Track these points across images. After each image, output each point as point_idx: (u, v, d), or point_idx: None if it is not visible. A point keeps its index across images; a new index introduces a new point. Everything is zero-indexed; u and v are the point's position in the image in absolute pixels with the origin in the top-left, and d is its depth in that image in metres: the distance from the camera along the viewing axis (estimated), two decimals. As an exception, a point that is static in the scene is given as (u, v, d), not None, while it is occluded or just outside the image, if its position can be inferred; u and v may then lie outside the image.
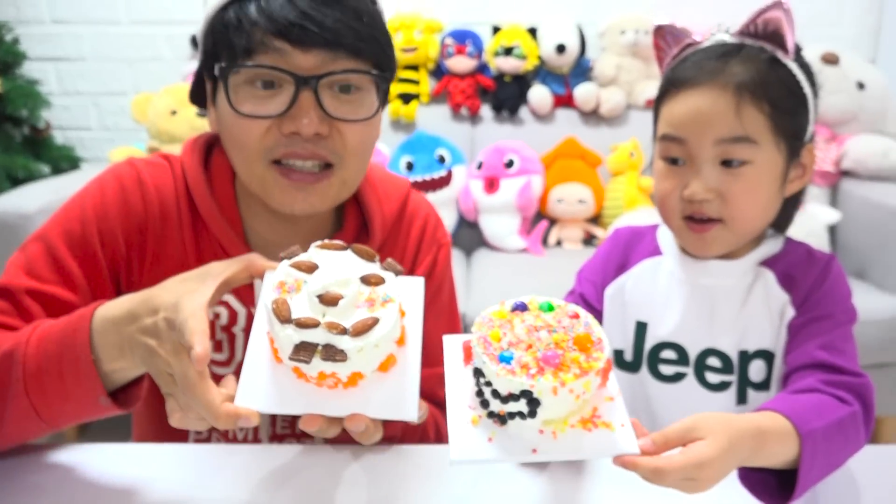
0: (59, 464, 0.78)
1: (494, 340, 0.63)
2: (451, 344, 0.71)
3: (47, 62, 2.84)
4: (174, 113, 2.42)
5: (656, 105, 0.95)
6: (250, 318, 0.90)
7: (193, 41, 2.73)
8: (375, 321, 0.62)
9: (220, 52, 0.81)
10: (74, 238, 0.84)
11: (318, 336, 0.61)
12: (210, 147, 0.94)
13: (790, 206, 0.96)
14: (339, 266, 0.66)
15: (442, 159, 2.49)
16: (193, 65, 2.69)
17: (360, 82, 0.83)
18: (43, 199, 2.05)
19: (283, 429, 0.94)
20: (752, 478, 0.74)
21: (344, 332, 0.61)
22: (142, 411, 0.97)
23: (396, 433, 0.83)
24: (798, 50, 0.90)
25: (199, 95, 0.91)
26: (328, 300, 0.63)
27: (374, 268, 0.68)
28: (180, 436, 0.93)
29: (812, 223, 2.18)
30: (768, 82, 0.86)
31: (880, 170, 2.30)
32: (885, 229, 2.07)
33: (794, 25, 0.87)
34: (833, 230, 2.28)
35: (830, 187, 2.38)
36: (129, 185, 0.88)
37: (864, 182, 2.31)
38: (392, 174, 1.04)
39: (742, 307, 0.93)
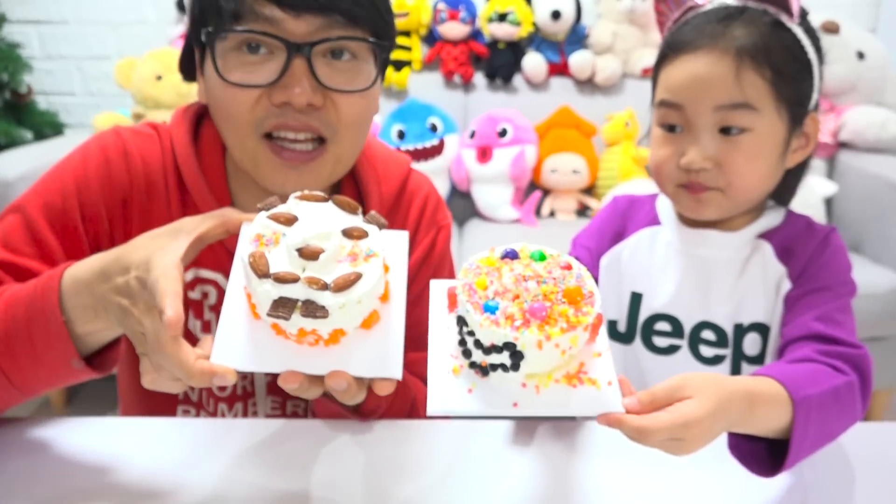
0: (42, 438, 0.77)
1: (480, 288, 0.60)
2: (437, 289, 0.68)
3: (29, 25, 2.77)
4: (159, 78, 2.36)
5: (655, 70, 0.93)
6: None
7: (179, 4, 2.66)
8: (358, 276, 0.59)
9: (208, 18, 0.76)
10: (54, 210, 0.81)
11: (297, 291, 0.58)
12: (200, 118, 0.89)
13: (792, 177, 0.94)
14: (319, 218, 0.63)
15: (434, 128, 2.45)
16: (179, 28, 2.66)
17: (357, 50, 0.78)
18: (24, 165, 2.01)
19: (273, 409, 0.92)
20: (742, 447, 0.72)
21: (325, 287, 0.58)
22: (127, 384, 0.95)
23: (382, 403, 0.80)
24: (804, 14, 0.87)
25: (188, 64, 0.86)
26: (308, 254, 0.59)
27: (357, 220, 0.65)
28: (167, 410, 0.91)
29: (808, 195, 2.16)
30: (770, 47, 0.83)
31: (878, 141, 2.27)
32: (882, 202, 2.05)
33: None
34: (829, 202, 2.26)
35: (828, 159, 2.36)
36: (113, 155, 0.84)
37: (862, 154, 2.29)
38: (393, 151, 0.99)
39: (738, 279, 0.92)
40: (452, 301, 0.65)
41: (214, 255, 0.85)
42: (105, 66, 2.78)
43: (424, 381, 0.90)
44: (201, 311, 0.88)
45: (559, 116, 2.48)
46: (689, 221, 0.96)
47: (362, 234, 0.62)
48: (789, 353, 0.83)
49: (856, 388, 0.76)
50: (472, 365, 0.61)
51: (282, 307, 0.58)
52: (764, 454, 0.72)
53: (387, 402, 0.81)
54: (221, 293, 0.87)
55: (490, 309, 0.58)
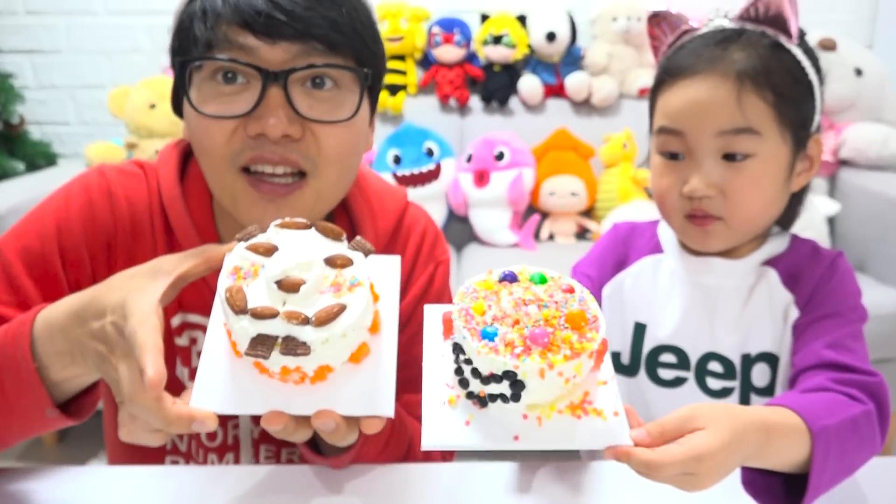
0: (28, 489, 0.73)
1: (478, 314, 0.57)
2: (431, 315, 0.65)
3: (21, 55, 2.75)
4: (153, 106, 2.34)
5: (652, 96, 0.91)
6: None
7: (173, 32, 2.66)
8: (342, 308, 0.55)
9: (184, 48, 0.73)
10: (32, 255, 0.77)
11: (277, 327, 0.55)
12: (188, 155, 0.86)
13: (795, 201, 0.92)
14: (300, 247, 0.59)
15: (430, 152, 2.43)
16: (173, 57, 2.64)
17: (339, 79, 0.74)
18: (16, 197, 1.99)
19: (268, 459, 0.88)
20: (757, 483, 0.69)
21: (306, 321, 0.54)
22: (113, 432, 0.92)
23: (370, 448, 0.76)
24: (802, 35, 0.85)
25: (178, 99, 0.82)
26: (288, 286, 0.56)
27: (341, 248, 0.61)
28: (155, 459, 0.88)
29: (811, 215, 2.13)
30: (771, 69, 0.81)
31: (880, 158, 2.25)
32: (885, 220, 2.02)
33: (797, 8, 0.83)
34: (832, 222, 2.24)
35: (829, 177, 2.33)
36: (97, 196, 0.80)
37: (864, 171, 2.27)
38: (389, 186, 0.96)
39: (744, 308, 0.90)
40: (448, 327, 0.62)
41: (202, 298, 0.82)
42: (99, 94, 2.76)
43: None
44: (189, 358, 0.84)
45: (556, 139, 2.46)
46: (692, 249, 0.93)
47: (346, 263, 0.59)
48: (801, 382, 0.80)
49: (874, 417, 0.73)
50: (470, 395, 0.57)
51: (260, 345, 0.55)
52: (779, 490, 0.68)
53: (377, 446, 0.77)
54: None
55: (488, 335, 0.55)
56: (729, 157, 0.82)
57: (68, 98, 2.82)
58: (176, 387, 0.83)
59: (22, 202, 1.97)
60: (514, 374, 0.53)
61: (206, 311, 0.82)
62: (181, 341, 0.83)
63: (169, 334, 0.83)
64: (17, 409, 0.66)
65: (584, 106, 2.57)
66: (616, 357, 0.96)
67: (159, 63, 2.69)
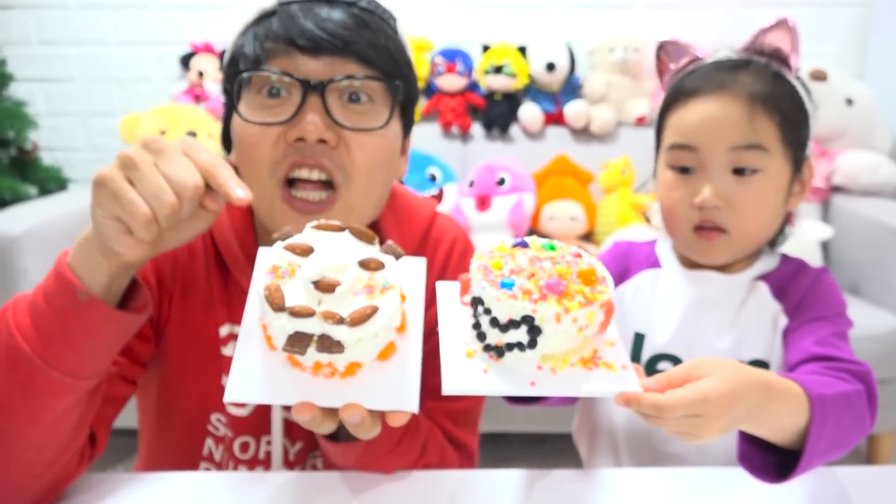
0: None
1: (495, 269, 0.60)
2: (444, 288, 0.69)
3: (35, 83, 2.82)
4: (163, 133, 2.40)
5: (660, 117, 0.97)
6: None
7: (183, 61, 2.73)
8: (374, 310, 0.58)
9: (238, 67, 0.81)
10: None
11: (313, 326, 0.58)
12: None
13: (784, 222, 0.98)
14: (336, 249, 0.62)
15: (433, 178, 2.48)
16: (182, 85, 2.72)
17: (374, 94, 0.81)
18: (29, 221, 2.02)
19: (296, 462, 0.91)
20: (753, 458, 0.72)
21: (341, 321, 0.57)
22: (150, 439, 0.95)
23: (390, 441, 0.79)
24: (797, 72, 0.92)
25: (229, 138, 0.88)
26: (324, 287, 0.59)
27: (374, 251, 0.64)
28: (190, 464, 0.91)
29: (805, 239, 2.18)
30: (777, 94, 0.88)
31: (871, 185, 2.30)
32: (878, 244, 2.06)
33: (798, 45, 0.89)
34: (826, 246, 2.28)
35: (822, 203, 2.38)
36: None
37: (856, 197, 2.31)
38: (418, 196, 1.00)
39: (737, 317, 0.94)
40: (465, 287, 0.65)
41: None
42: (110, 122, 2.82)
43: (446, 434, 0.90)
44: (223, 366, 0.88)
45: (556, 165, 2.52)
46: (689, 264, 0.98)
47: (379, 266, 0.62)
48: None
49: (865, 397, 0.77)
50: (487, 348, 0.60)
51: (297, 342, 0.58)
52: (773, 466, 0.72)
53: (390, 442, 0.79)
54: None
55: (507, 285, 0.58)
56: (738, 172, 0.88)
57: (79, 125, 2.89)
58: (219, 395, 0.86)
59: (36, 225, 2.01)
60: (532, 319, 0.57)
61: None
62: (227, 351, 0.87)
63: (216, 344, 0.87)
64: (73, 318, 0.66)
65: (583, 133, 2.63)
66: None
67: (168, 91, 2.76)
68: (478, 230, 2.44)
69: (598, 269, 0.61)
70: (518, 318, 0.57)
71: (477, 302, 0.61)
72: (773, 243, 0.99)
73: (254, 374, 0.61)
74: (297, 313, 0.57)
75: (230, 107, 0.84)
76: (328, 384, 0.61)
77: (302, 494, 0.76)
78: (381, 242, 0.66)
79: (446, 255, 0.96)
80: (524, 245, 0.65)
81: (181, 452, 0.91)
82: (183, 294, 0.87)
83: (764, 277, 0.95)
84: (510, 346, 0.59)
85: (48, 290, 0.67)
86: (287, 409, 0.88)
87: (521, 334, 0.58)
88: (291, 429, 0.89)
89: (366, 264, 0.62)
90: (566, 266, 0.60)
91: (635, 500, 0.75)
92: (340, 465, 0.80)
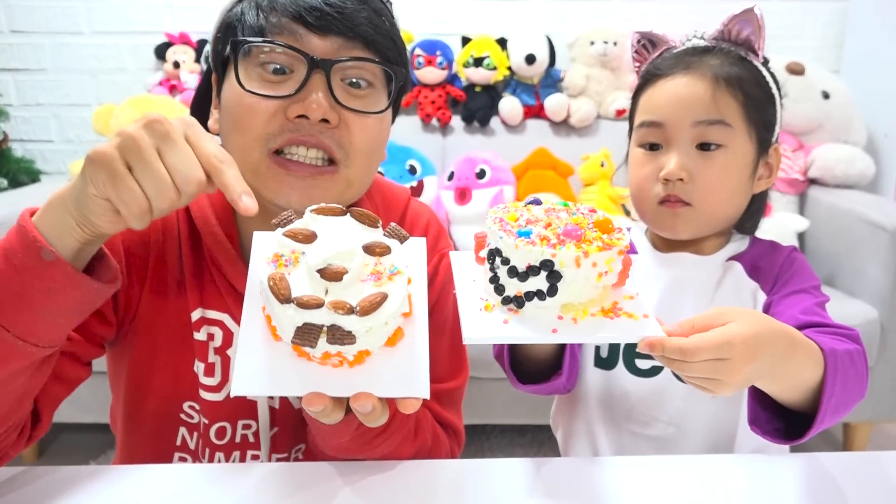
0: (29, 486, 0.73)
1: (511, 220, 0.60)
2: (457, 257, 0.69)
3: (5, 73, 2.77)
4: (138, 124, 2.36)
5: (633, 99, 1.00)
6: None
7: (158, 52, 2.68)
8: (384, 297, 0.56)
9: (234, 32, 0.80)
10: None
11: (322, 317, 0.56)
12: None
13: (756, 209, 1.00)
14: (339, 235, 0.60)
15: (413, 170, 2.47)
16: (158, 76, 2.68)
17: (372, 78, 0.81)
18: (0, 212, 1.99)
19: (278, 460, 0.90)
20: (761, 421, 0.73)
21: (351, 311, 0.55)
22: (124, 433, 0.93)
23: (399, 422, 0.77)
24: (766, 61, 0.95)
25: (201, 108, 0.87)
26: (331, 275, 0.57)
27: (378, 235, 0.62)
28: (164, 456, 0.89)
29: (782, 230, 2.20)
30: (741, 75, 0.91)
31: (847, 177, 2.33)
32: (853, 236, 2.08)
33: (764, 32, 0.93)
34: (801, 237, 2.30)
35: (798, 195, 2.40)
36: None
37: (831, 189, 2.34)
38: (391, 183, 1.00)
39: (713, 296, 0.96)
40: (480, 244, 0.64)
41: (221, 295, 0.85)
42: (83, 113, 2.78)
43: (437, 417, 0.89)
44: (206, 354, 0.85)
45: (536, 157, 2.51)
46: (662, 247, 1.00)
47: (385, 251, 0.60)
48: None
49: (863, 357, 0.78)
50: (506, 301, 0.59)
51: (307, 334, 0.56)
52: (779, 434, 0.73)
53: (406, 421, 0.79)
54: (228, 334, 0.85)
55: (524, 233, 0.57)
56: (702, 147, 0.90)
57: (52, 116, 2.83)
58: (191, 382, 0.85)
59: (5, 217, 1.97)
60: (552, 264, 0.56)
61: (224, 307, 0.85)
62: (199, 336, 0.85)
63: (188, 329, 0.85)
64: (30, 273, 0.62)
65: (563, 126, 2.63)
66: (596, 351, 1.00)
67: (143, 82, 2.72)
68: (458, 222, 2.43)
69: (614, 221, 0.61)
70: (537, 263, 0.56)
71: (494, 254, 0.60)
72: (743, 229, 1.01)
73: (259, 365, 0.59)
74: (304, 304, 0.55)
75: (218, 73, 0.83)
76: (337, 373, 0.59)
77: (296, 483, 0.74)
78: (384, 225, 0.64)
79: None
80: (538, 202, 0.65)
81: (154, 443, 0.89)
82: (154, 276, 0.85)
83: (737, 258, 0.97)
84: (529, 296, 0.58)
85: (8, 247, 0.63)
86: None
87: (540, 281, 0.57)
88: (270, 414, 0.88)
89: (371, 249, 0.60)
90: (582, 217, 0.60)
91: (643, 486, 0.74)
92: (330, 448, 0.77)
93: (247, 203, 0.60)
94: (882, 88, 2.54)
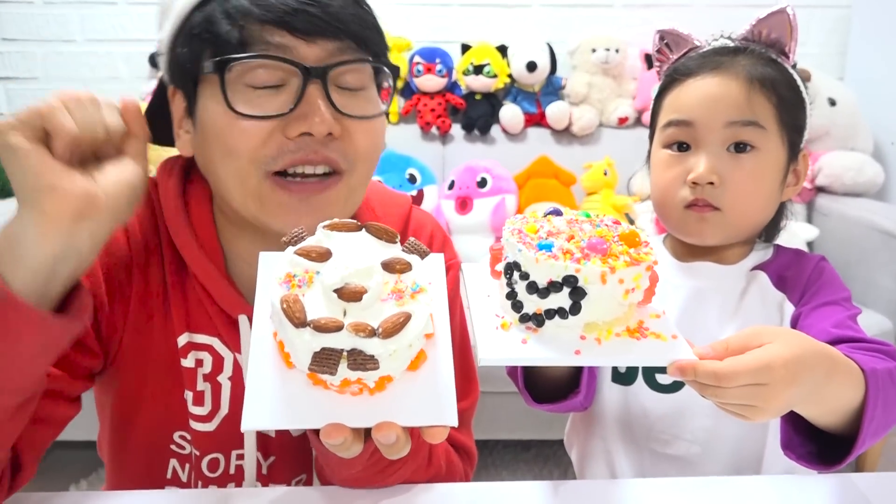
0: None
1: (531, 232, 0.55)
2: (470, 270, 0.64)
3: (-4, 81, 2.72)
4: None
5: (656, 100, 0.95)
6: (237, 366, 0.79)
7: (152, 60, 2.64)
8: (408, 318, 0.52)
9: (204, 52, 0.70)
10: None
11: (341, 340, 0.51)
12: (186, 172, 0.83)
13: (778, 215, 0.96)
14: (356, 251, 0.56)
15: (413, 179, 2.42)
16: (152, 84, 2.61)
17: (364, 80, 0.75)
18: (-13, 223, 1.93)
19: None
20: (795, 445, 0.69)
21: (373, 333, 0.51)
22: (113, 459, 0.87)
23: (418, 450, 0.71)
24: (794, 65, 0.92)
25: (159, 123, 0.77)
26: (349, 295, 0.52)
27: (396, 250, 0.58)
28: (156, 483, 0.83)
29: (791, 239, 2.15)
30: (775, 77, 0.87)
31: (855, 185, 2.30)
32: (862, 244, 2.05)
33: (796, 34, 0.89)
34: (810, 247, 2.26)
35: (806, 204, 2.37)
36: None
37: (840, 197, 2.31)
38: (392, 191, 0.95)
39: (738, 307, 0.91)
40: (496, 257, 0.60)
41: (209, 318, 0.79)
42: (75, 122, 2.73)
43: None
44: (194, 382, 0.80)
45: (538, 166, 2.47)
46: (682, 256, 0.96)
47: (406, 267, 0.56)
48: None
49: None
50: (524, 318, 0.55)
51: (325, 360, 0.51)
52: (813, 458, 0.69)
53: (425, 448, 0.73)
54: (217, 360, 0.79)
55: (545, 246, 0.53)
56: (734, 150, 0.86)
57: (44, 126, 2.78)
58: (181, 411, 0.80)
59: (-6, 228, 1.92)
60: (575, 280, 0.52)
61: (213, 331, 0.79)
62: (187, 363, 0.79)
63: (175, 355, 0.79)
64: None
65: (565, 134, 2.59)
66: (614, 367, 0.95)
67: (138, 91, 2.67)
68: (459, 232, 2.39)
69: (640, 234, 0.57)
70: (559, 279, 0.52)
71: (511, 268, 0.55)
72: (767, 236, 0.97)
73: (272, 396, 0.54)
74: (322, 328, 0.50)
75: (186, 90, 0.74)
76: (357, 401, 0.54)
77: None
78: (402, 241, 0.59)
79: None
80: (558, 213, 0.60)
81: (143, 477, 0.83)
82: (138, 301, 0.79)
83: (762, 267, 0.93)
84: (550, 314, 0.54)
85: None
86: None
87: (562, 298, 0.52)
88: (265, 442, 0.82)
89: (391, 266, 0.55)
90: (606, 229, 0.55)
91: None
92: (339, 480, 0.71)
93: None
94: (886, 96, 2.52)
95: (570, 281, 0.52)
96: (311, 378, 0.54)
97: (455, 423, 0.55)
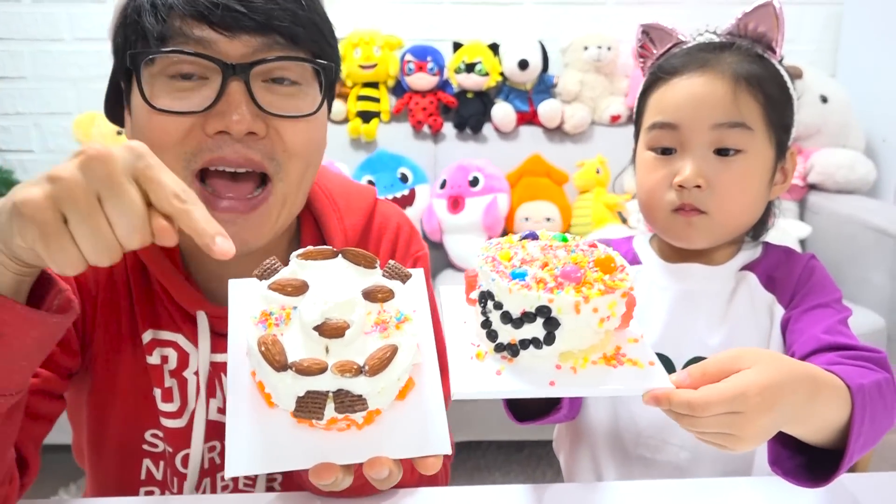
0: None
1: (504, 259, 0.54)
2: (446, 292, 0.63)
3: (-16, 81, 2.70)
4: (121, 133, 2.30)
5: (641, 98, 0.93)
6: (204, 361, 0.78)
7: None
8: (394, 350, 0.49)
9: (130, 44, 0.69)
10: None
11: (326, 382, 0.48)
12: None
13: (766, 213, 0.94)
14: (334, 282, 0.53)
15: (404, 178, 2.41)
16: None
17: (300, 75, 0.72)
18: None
19: (246, 486, 0.83)
20: (784, 462, 0.68)
21: (359, 371, 0.48)
22: (93, 466, 0.86)
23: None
24: (780, 59, 0.90)
25: (115, 106, 0.77)
26: (331, 331, 0.49)
27: (377, 276, 0.55)
28: (130, 488, 0.82)
29: (783, 237, 2.15)
30: (762, 75, 0.85)
31: (847, 182, 2.29)
32: (856, 242, 2.04)
33: (783, 28, 0.87)
34: (803, 244, 2.26)
35: (798, 201, 2.36)
36: None
37: (832, 195, 2.30)
38: (356, 184, 0.93)
39: (727, 310, 0.90)
40: (471, 284, 0.58)
41: (169, 315, 0.78)
42: (64, 121, 2.70)
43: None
44: (161, 378, 0.79)
45: (530, 164, 2.46)
46: (670, 257, 0.94)
47: (388, 295, 0.53)
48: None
49: (892, 386, 0.72)
50: (499, 348, 0.54)
51: (310, 404, 0.48)
52: (802, 471, 0.67)
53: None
54: (182, 356, 0.79)
55: (518, 275, 0.52)
56: (720, 153, 0.84)
57: (32, 125, 2.76)
58: (150, 410, 0.79)
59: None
60: (549, 310, 0.51)
61: (175, 327, 0.78)
62: (152, 359, 0.78)
63: (140, 352, 0.78)
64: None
65: (557, 133, 2.58)
66: None
67: (127, 90, 2.65)
68: (451, 231, 2.38)
69: (616, 259, 0.56)
70: (532, 309, 0.51)
71: (486, 297, 0.54)
72: (755, 234, 0.95)
73: (253, 440, 0.51)
74: (305, 371, 0.48)
75: (122, 80, 0.73)
76: (344, 437, 0.52)
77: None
78: (382, 264, 0.57)
79: (392, 244, 0.89)
80: (534, 237, 0.59)
81: (119, 479, 0.83)
82: (105, 298, 0.78)
83: (750, 267, 0.91)
84: (525, 344, 0.53)
85: None
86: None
87: (536, 329, 0.51)
88: (213, 432, 0.81)
89: (373, 295, 0.53)
90: (581, 255, 0.54)
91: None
92: (324, 496, 0.70)
93: (222, 246, 0.50)
94: (878, 93, 2.51)
95: (544, 311, 0.51)
96: (293, 416, 0.52)
97: (448, 451, 0.53)
